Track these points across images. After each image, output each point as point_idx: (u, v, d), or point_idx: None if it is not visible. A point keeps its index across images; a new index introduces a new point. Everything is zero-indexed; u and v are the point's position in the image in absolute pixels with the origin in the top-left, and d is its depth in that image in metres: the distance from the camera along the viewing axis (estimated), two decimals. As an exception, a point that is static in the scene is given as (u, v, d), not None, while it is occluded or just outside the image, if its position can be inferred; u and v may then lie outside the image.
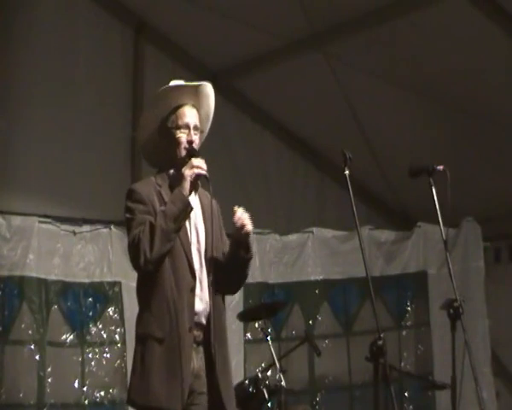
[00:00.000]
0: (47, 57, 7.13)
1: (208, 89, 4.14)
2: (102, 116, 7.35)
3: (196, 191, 4.05)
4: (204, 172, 3.92)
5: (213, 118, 8.25)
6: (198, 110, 4.11)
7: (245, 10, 6.98)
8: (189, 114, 4.05)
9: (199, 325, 3.93)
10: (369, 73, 7.09)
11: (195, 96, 4.11)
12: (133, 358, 3.93)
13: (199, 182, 4.01)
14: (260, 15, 6.99)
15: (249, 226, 3.96)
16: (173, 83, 4.12)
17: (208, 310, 3.94)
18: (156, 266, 3.84)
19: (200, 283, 3.96)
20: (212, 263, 3.99)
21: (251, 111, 8.09)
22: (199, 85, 4.11)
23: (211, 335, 3.91)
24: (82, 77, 7.29)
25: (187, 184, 3.88)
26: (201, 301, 3.94)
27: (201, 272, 3.98)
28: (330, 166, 8.07)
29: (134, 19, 7.60)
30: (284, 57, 7.34)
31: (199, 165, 3.91)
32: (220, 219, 4.16)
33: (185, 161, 3.97)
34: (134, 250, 3.81)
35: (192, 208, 3.90)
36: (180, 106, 4.05)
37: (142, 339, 3.88)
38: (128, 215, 3.91)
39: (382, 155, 7.84)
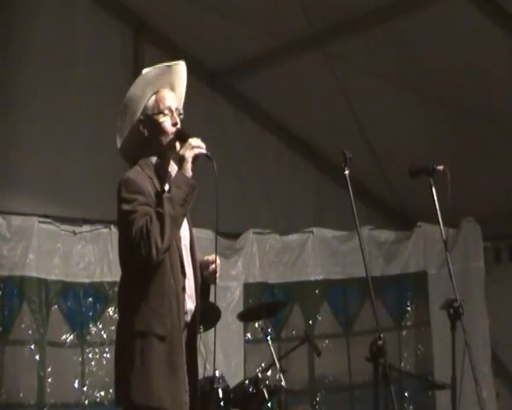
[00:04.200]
0: (47, 57, 7.13)
1: (181, 67, 3.97)
2: (102, 116, 7.34)
3: None
4: (204, 151, 3.76)
5: (213, 118, 8.28)
6: (174, 92, 3.95)
7: (245, 10, 6.97)
8: (169, 97, 3.89)
9: (186, 323, 3.80)
10: (369, 72, 7.08)
11: (170, 78, 3.94)
12: (129, 355, 3.64)
13: None
14: (260, 15, 6.98)
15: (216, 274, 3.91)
16: (145, 71, 3.99)
17: (194, 310, 3.82)
18: (163, 256, 3.65)
19: (188, 280, 3.80)
20: (197, 262, 3.89)
21: (251, 111, 8.08)
22: (173, 66, 3.94)
23: (195, 332, 3.82)
24: (82, 77, 7.29)
25: (189, 166, 3.71)
26: (190, 299, 3.81)
27: (189, 269, 3.83)
28: (330, 166, 8.06)
29: (134, 19, 7.61)
30: (284, 57, 7.33)
31: (198, 145, 3.76)
32: None
33: (172, 145, 3.81)
34: (144, 243, 3.54)
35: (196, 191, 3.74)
36: (157, 91, 3.90)
37: (141, 336, 3.63)
38: (127, 207, 3.65)
39: (382, 155, 7.83)
